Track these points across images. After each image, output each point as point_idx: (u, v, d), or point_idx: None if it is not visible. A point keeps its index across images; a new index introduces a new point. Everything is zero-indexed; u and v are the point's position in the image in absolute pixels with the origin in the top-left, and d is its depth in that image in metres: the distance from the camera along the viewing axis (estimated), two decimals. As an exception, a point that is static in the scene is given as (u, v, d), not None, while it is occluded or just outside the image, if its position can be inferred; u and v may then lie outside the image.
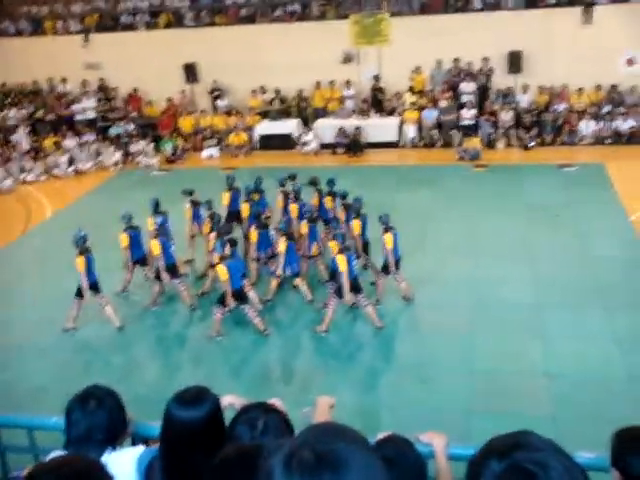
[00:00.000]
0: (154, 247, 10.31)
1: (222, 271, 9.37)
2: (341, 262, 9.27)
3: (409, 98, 19.02)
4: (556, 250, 11.73)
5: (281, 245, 10.22)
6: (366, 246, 10.89)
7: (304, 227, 10.77)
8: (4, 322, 10.70)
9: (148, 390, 8.46)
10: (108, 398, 2.61)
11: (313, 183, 12.05)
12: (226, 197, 12.05)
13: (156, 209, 11.25)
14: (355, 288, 9.55)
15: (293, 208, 11.27)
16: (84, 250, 9.78)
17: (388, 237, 9.92)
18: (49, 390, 8.50)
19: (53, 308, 10.49)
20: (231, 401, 2.96)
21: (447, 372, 8.59)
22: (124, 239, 10.58)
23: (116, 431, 2.58)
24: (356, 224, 10.53)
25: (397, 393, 8.31)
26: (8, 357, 9.63)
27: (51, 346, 9.85)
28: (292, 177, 12.54)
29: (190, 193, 11.88)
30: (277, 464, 1.29)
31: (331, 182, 11.98)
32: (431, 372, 8.65)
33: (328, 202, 11.73)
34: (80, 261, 9.67)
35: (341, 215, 11.22)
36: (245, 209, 11.57)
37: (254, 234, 10.75)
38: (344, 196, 11.41)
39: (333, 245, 9.59)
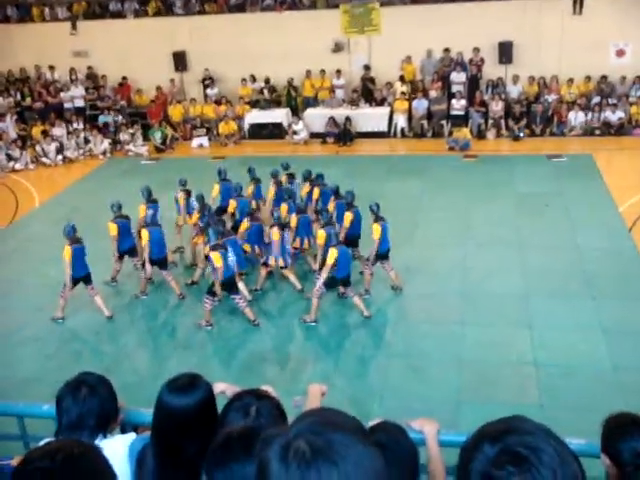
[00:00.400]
0: (144, 236, 10.27)
1: (217, 257, 9.37)
2: (331, 255, 9.30)
3: (400, 87, 19.00)
4: (545, 240, 11.78)
5: (274, 235, 10.21)
6: (357, 239, 10.84)
7: (293, 221, 10.72)
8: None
9: (137, 378, 8.46)
10: (100, 385, 2.61)
11: (307, 178, 12.06)
12: (215, 189, 12.03)
13: (149, 198, 11.22)
14: (345, 281, 9.59)
15: (283, 208, 11.18)
16: (74, 240, 9.74)
17: (376, 227, 9.93)
18: (38, 380, 8.47)
19: (41, 297, 10.44)
20: (223, 389, 2.96)
21: (436, 361, 8.62)
22: (113, 228, 10.51)
23: (107, 418, 2.58)
24: (347, 216, 10.50)
25: (386, 382, 8.34)
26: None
27: (40, 335, 9.80)
28: (285, 167, 12.49)
29: (184, 183, 11.86)
30: (273, 455, 1.29)
31: (320, 177, 12.01)
32: (420, 361, 8.68)
33: (315, 194, 11.69)
34: (67, 251, 9.62)
35: (331, 207, 11.14)
36: (232, 205, 11.52)
37: (245, 224, 10.72)
38: (336, 191, 11.34)
39: (321, 235, 9.63)
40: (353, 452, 1.28)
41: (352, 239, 10.68)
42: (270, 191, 11.91)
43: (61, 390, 2.60)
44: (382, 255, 10.13)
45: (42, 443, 2.56)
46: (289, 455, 1.27)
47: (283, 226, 10.40)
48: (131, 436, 2.66)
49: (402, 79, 19.16)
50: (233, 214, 11.52)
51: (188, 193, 11.70)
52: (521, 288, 10.25)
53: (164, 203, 11.71)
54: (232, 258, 9.59)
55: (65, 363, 9.05)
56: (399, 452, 2.32)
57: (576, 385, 7.87)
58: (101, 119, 19.98)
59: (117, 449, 2.50)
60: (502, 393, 7.89)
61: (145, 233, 10.27)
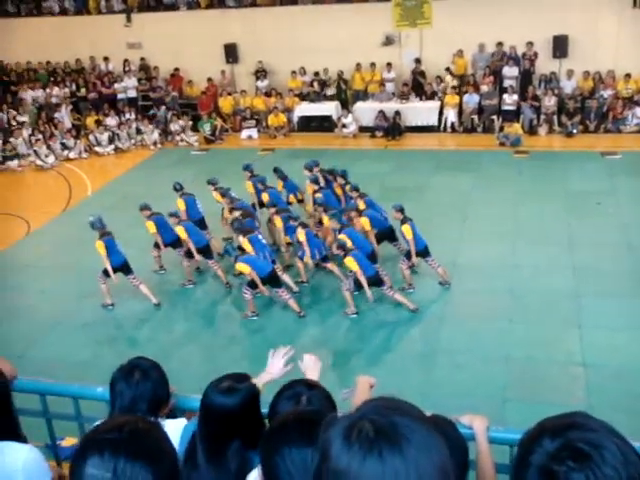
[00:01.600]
0: (180, 232, 10.56)
1: (242, 267, 9.62)
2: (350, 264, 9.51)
3: (450, 81, 18.81)
4: (597, 238, 11.55)
5: (300, 236, 10.31)
6: (389, 232, 10.87)
7: (326, 220, 10.80)
8: (46, 297, 10.92)
9: (184, 365, 8.57)
10: (152, 370, 2.66)
11: (330, 172, 12.40)
12: (250, 186, 12.22)
13: (182, 190, 11.68)
14: (376, 282, 9.61)
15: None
16: (103, 233, 10.05)
17: (406, 228, 10.01)
18: (88, 364, 8.68)
19: (94, 283, 10.67)
20: (270, 377, 2.98)
21: (482, 358, 8.54)
22: (150, 226, 10.79)
23: (159, 402, 2.63)
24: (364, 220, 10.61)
25: (431, 377, 8.30)
26: (49, 332, 9.83)
27: (91, 321, 10.03)
28: (317, 164, 12.62)
29: (215, 182, 12.12)
30: (336, 436, 1.28)
31: (344, 173, 12.29)
32: (466, 358, 8.61)
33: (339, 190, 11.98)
34: (99, 245, 9.96)
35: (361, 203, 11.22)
36: (265, 197, 11.73)
37: (278, 220, 10.84)
38: (357, 188, 11.51)
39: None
40: (418, 436, 1.26)
41: (384, 232, 10.71)
42: (308, 187, 12.03)
43: (115, 374, 2.66)
44: (422, 252, 10.10)
45: (97, 423, 2.64)
46: (352, 435, 1.26)
47: (304, 224, 10.55)
48: (182, 421, 2.70)
49: (450, 72, 18.95)
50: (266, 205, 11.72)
51: (221, 189, 11.92)
52: (571, 287, 10.07)
53: (208, 194, 11.95)
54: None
55: (114, 349, 9.26)
56: (449, 445, 2.30)
57: (626, 387, 7.70)
58: (153, 112, 20.25)
59: (170, 431, 2.55)
60: (549, 392, 7.77)
61: (180, 229, 10.52)
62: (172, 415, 2.87)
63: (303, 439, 1.83)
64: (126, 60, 21.46)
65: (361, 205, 11.16)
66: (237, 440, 2.50)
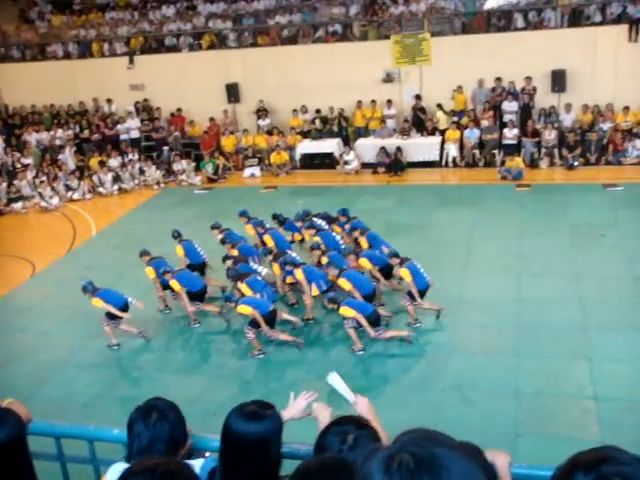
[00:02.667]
0: (174, 285, 10.64)
1: (244, 309, 9.67)
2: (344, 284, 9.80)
3: (442, 117, 19.04)
4: (602, 270, 11.52)
5: (298, 275, 10.39)
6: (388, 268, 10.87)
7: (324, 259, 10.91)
8: (50, 337, 10.88)
9: (189, 405, 8.48)
10: (170, 410, 2.64)
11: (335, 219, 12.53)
12: (250, 228, 12.31)
13: (179, 237, 11.86)
14: (375, 321, 9.58)
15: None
16: (95, 290, 10.18)
17: (404, 272, 10.07)
18: (96, 405, 8.62)
19: (98, 324, 10.63)
20: (290, 416, 2.95)
21: (491, 394, 8.45)
22: (150, 272, 10.94)
23: (177, 443, 2.60)
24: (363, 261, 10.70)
25: (439, 414, 8.19)
26: (55, 373, 9.78)
27: (96, 362, 9.98)
28: (307, 213, 12.70)
29: (218, 226, 12.25)
30: (376, 468, 1.28)
31: (345, 211, 12.42)
32: (475, 393, 8.53)
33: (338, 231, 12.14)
34: (96, 302, 10.13)
35: (364, 243, 11.30)
36: (268, 241, 11.85)
37: (276, 267, 10.92)
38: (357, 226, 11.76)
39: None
40: (457, 466, 1.26)
41: (385, 269, 10.79)
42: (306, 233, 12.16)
43: (132, 415, 2.63)
44: (422, 292, 10.11)
45: (112, 468, 2.61)
46: (392, 466, 1.26)
47: (301, 263, 10.70)
48: (199, 461, 2.67)
49: (441, 108, 19.16)
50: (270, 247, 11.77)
51: (223, 231, 12.07)
52: (578, 319, 10.01)
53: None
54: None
55: (120, 389, 9.20)
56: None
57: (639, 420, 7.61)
58: (157, 154, 20.44)
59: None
60: (561, 427, 7.68)
61: (174, 283, 10.62)
62: (189, 456, 2.84)
63: None
64: (137, 102, 21.75)
65: (363, 243, 11.21)
66: (259, 469, 2.45)
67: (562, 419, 7.87)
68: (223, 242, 11.77)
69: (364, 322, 9.39)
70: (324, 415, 2.98)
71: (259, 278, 10.44)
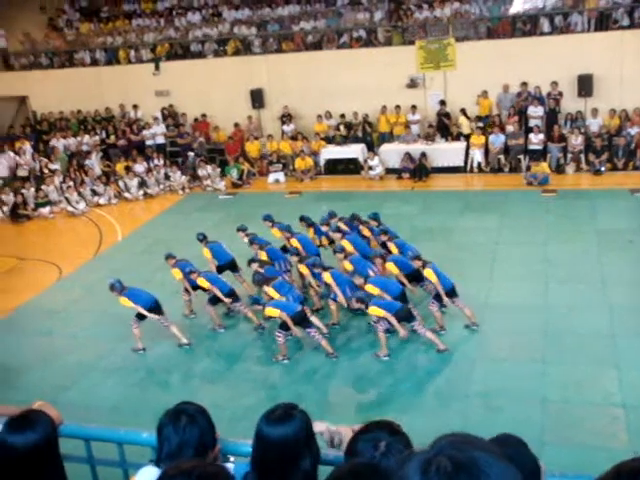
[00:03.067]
0: (202, 283, 10.72)
1: (272, 311, 9.72)
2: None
3: (463, 122, 18.97)
4: (630, 277, 11.39)
5: (327, 279, 10.41)
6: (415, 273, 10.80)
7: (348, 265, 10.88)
8: (77, 341, 10.99)
9: (215, 409, 8.51)
10: (199, 415, 2.65)
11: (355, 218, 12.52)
12: (276, 231, 12.32)
13: (204, 240, 11.83)
14: (405, 316, 9.58)
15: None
16: (123, 289, 10.26)
17: (428, 272, 10.06)
18: (123, 409, 8.68)
19: (125, 327, 10.71)
20: (322, 429, 2.93)
21: (517, 401, 8.38)
22: (177, 273, 10.99)
23: (206, 448, 2.60)
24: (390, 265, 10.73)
25: (465, 421, 8.12)
26: (81, 376, 9.87)
27: (123, 366, 10.06)
28: (332, 215, 12.66)
29: (244, 229, 12.23)
30: (414, 472, 1.27)
31: (376, 215, 12.33)
32: (501, 401, 8.45)
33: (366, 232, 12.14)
34: (124, 301, 10.23)
35: (393, 248, 11.29)
36: (295, 243, 11.83)
37: (303, 268, 10.94)
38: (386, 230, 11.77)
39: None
40: (496, 470, 1.25)
41: (412, 274, 10.73)
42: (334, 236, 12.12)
43: (162, 419, 2.64)
44: (449, 293, 10.06)
45: (141, 471, 2.62)
46: (430, 470, 1.25)
47: (329, 267, 10.68)
48: (229, 466, 2.67)
49: (465, 113, 19.09)
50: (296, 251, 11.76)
51: (248, 235, 12.09)
52: (606, 326, 9.89)
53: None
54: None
55: (146, 393, 9.25)
56: (522, 465, 2.28)
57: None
58: (182, 160, 20.58)
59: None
60: (589, 436, 7.59)
61: (201, 280, 10.70)
62: (217, 461, 2.84)
63: None
64: (164, 108, 21.94)
65: (393, 248, 11.19)
66: (294, 471, 2.48)
67: (589, 427, 7.78)
68: (251, 242, 11.76)
69: (394, 321, 9.37)
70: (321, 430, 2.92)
71: (285, 281, 10.47)
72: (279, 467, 2.46)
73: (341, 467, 2.01)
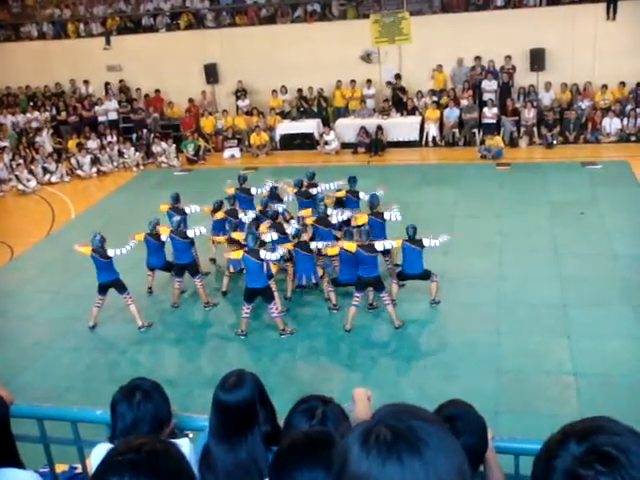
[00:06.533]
0: (163, 231, 10.65)
1: (237, 254, 9.66)
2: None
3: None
4: (581, 248, 11.64)
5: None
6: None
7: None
8: (32, 322, 10.80)
9: (170, 386, 8.49)
10: (153, 390, 2.64)
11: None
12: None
13: (174, 204, 11.52)
14: (377, 286, 9.64)
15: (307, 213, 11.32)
16: (96, 251, 10.02)
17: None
18: (80, 389, 8.60)
19: (79, 307, 10.56)
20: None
21: (472, 371, 8.54)
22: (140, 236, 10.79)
23: (161, 423, 2.60)
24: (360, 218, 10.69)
25: (421, 391, 8.27)
26: (37, 357, 9.72)
27: (78, 345, 9.93)
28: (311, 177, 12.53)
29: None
30: (353, 442, 1.28)
31: (353, 180, 12.02)
32: (456, 370, 8.61)
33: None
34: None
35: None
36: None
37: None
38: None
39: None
40: (435, 439, 1.26)
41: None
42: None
43: (115, 395, 2.63)
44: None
45: (96, 449, 2.60)
46: (370, 440, 1.26)
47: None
48: (185, 441, 2.67)
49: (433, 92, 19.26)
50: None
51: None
52: (558, 297, 10.12)
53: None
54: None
55: (103, 372, 9.17)
56: (470, 422, 2.40)
57: (618, 395, 7.72)
58: (135, 136, 20.19)
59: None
60: (541, 403, 7.79)
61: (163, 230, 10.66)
62: (173, 435, 2.84)
63: (313, 460, 1.83)
64: (107, 83, 21.45)
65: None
66: (253, 432, 2.61)
67: (542, 395, 7.97)
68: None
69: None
70: (361, 397, 2.97)
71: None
72: (239, 431, 2.54)
73: (294, 436, 2.03)
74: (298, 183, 12.16)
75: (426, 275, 10.02)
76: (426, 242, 9.85)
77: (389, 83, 19.65)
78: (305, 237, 10.56)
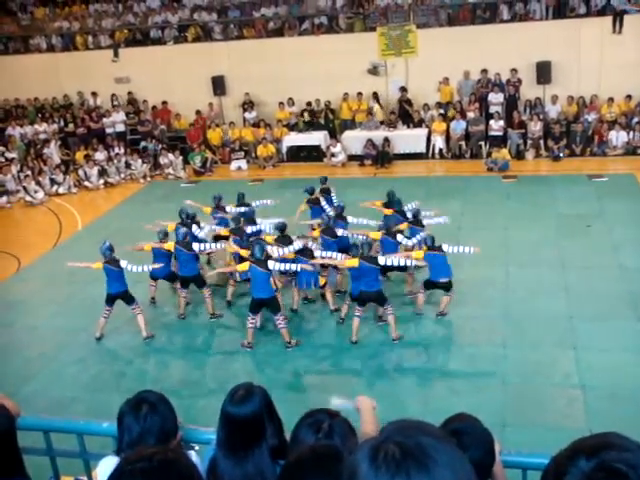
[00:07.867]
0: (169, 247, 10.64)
1: (243, 266, 9.62)
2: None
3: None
4: (588, 261, 11.60)
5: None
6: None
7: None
8: (38, 332, 10.83)
9: (178, 398, 8.48)
10: (160, 403, 2.64)
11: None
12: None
13: (184, 220, 11.52)
14: (379, 300, 9.62)
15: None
16: (107, 260, 9.98)
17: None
18: (85, 400, 8.59)
19: (85, 318, 10.57)
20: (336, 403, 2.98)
21: (478, 383, 8.51)
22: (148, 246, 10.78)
23: (168, 436, 2.60)
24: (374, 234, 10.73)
25: (427, 404, 8.24)
26: (42, 368, 9.72)
27: (84, 356, 9.93)
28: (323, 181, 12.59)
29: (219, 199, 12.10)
30: (362, 459, 1.28)
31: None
32: (462, 384, 8.57)
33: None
34: (97, 265, 10.07)
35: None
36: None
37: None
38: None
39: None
40: (443, 455, 1.26)
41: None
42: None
43: (122, 408, 2.63)
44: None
45: (103, 462, 2.61)
46: (379, 457, 1.26)
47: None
48: (191, 454, 2.67)
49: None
50: None
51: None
52: (565, 309, 10.08)
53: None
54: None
55: (109, 383, 9.16)
56: (476, 436, 2.39)
57: (625, 408, 7.67)
58: (142, 145, 20.28)
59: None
60: (548, 416, 7.75)
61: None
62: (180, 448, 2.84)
63: (320, 475, 1.83)
64: (114, 95, 21.56)
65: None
66: (260, 446, 2.61)
67: (549, 408, 7.93)
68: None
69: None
70: (366, 407, 3.00)
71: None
72: (247, 445, 2.54)
73: (300, 451, 2.03)
74: (310, 190, 12.19)
75: (450, 285, 10.00)
76: (445, 247, 9.85)
77: (400, 100, 19.71)
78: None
